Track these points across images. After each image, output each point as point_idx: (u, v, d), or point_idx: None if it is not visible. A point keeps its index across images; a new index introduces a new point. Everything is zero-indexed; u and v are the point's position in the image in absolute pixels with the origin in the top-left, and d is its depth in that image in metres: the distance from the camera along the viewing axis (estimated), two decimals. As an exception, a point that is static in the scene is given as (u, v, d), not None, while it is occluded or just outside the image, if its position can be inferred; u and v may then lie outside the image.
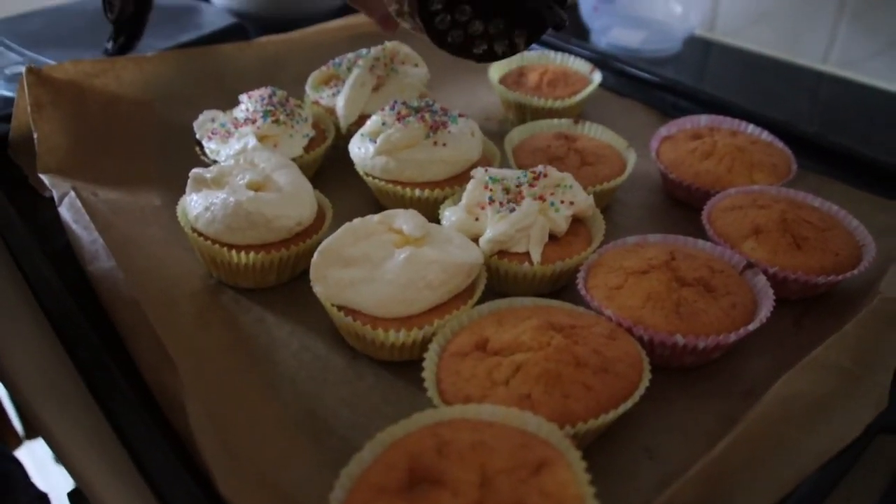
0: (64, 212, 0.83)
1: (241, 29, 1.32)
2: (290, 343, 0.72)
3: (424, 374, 0.63)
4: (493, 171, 0.79)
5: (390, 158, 0.85)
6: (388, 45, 1.04)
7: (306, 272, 0.78)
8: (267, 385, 0.67)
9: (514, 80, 1.10)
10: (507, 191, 0.77)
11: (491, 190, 0.77)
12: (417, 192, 0.85)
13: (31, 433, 1.49)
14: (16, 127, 0.95)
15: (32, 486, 1.18)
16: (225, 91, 1.05)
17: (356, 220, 0.72)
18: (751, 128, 0.97)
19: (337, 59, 1.03)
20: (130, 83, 1.03)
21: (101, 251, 0.76)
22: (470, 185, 0.78)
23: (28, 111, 0.92)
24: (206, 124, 0.95)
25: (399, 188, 0.85)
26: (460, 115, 0.89)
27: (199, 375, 0.65)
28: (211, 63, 1.10)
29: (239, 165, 0.79)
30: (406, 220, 0.71)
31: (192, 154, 0.93)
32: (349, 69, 1.01)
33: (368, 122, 0.90)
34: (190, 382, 0.61)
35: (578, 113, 1.08)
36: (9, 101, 1.10)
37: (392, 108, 0.89)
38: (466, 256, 0.70)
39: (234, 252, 0.74)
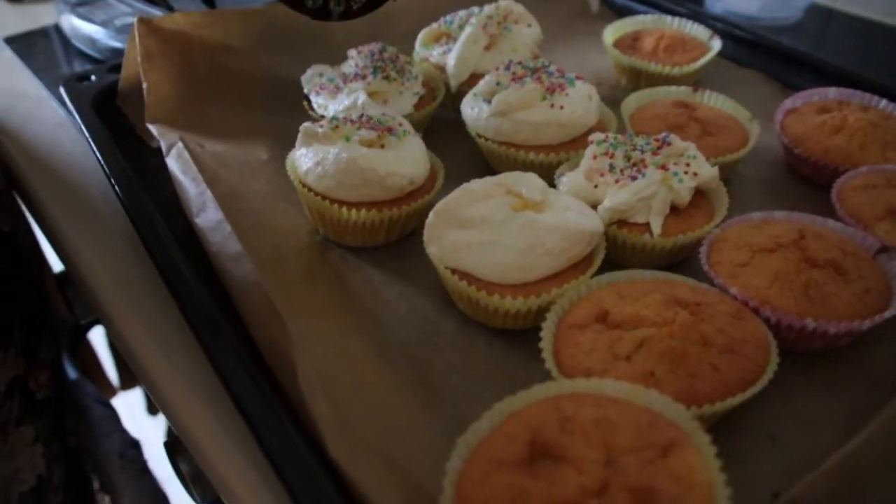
0: (171, 162, 0.83)
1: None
2: (398, 305, 0.71)
3: (542, 345, 0.60)
4: (614, 136, 0.76)
5: (504, 120, 0.82)
6: (502, 3, 1.02)
7: (415, 233, 0.77)
8: (376, 347, 0.66)
9: (629, 44, 1.06)
10: (628, 158, 0.74)
11: (612, 157, 0.74)
12: (532, 155, 0.82)
13: (126, 383, 1.53)
14: (125, 77, 0.96)
15: (126, 432, 1.21)
16: (333, 46, 1.03)
17: (473, 182, 0.70)
18: (883, 102, 0.92)
19: (448, 17, 1.01)
20: (238, 35, 1.02)
21: (209, 203, 0.76)
22: (589, 151, 0.76)
23: (138, 61, 0.92)
24: (314, 79, 0.94)
25: (512, 150, 0.83)
26: (577, 78, 0.86)
27: (307, 335, 0.64)
28: (320, 17, 1.09)
29: (352, 121, 0.77)
30: (526, 183, 0.69)
31: (300, 108, 0.92)
32: (461, 27, 0.99)
33: (482, 82, 0.87)
34: (299, 341, 0.61)
35: (695, 81, 1.04)
36: (118, 52, 1.11)
37: (507, 69, 0.86)
38: (587, 224, 0.67)
39: (344, 208, 0.73)
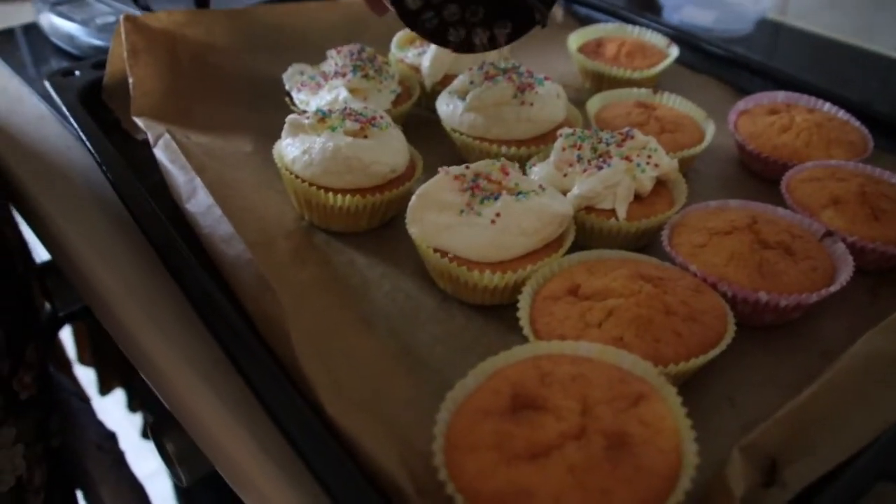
0: (159, 153, 0.86)
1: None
2: (381, 284, 0.75)
3: (519, 314, 0.65)
4: (581, 130, 0.82)
5: (478, 115, 0.88)
6: (474, 8, 1.07)
7: (395, 219, 0.82)
8: (362, 321, 0.70)
9: (593, 49, 1.12)
10: (594, 150, 0.79)
11: (580, 148, 0.79)
12: (504, 148, 0.87)
13: (105, 386, 1.53)
14: (110, 73, 0.99)
15: (102, 424, 1.23)
16: (311, 46, 1.07)
17: (452, 168, 0.75)
18: (827, 106, 0.99)
19: (423, 21, 1.06)
20: (221, 34, 1.06)
21: (198, 189, 0.80)
22: (559, 143, 0.81)
23: (124, 57, 0.95)
24: (295, 76, 0.98)
25: (486, 144, 0.88)
26: (546, 79, 0.92)
27: (298, 308, 0.68)
28: (299, 18, 1.13)
29: (336, 113, 0.82)
30: (503, 168, 0.74)
31: (281, 104, 0.96)
32: (435, 31, 1.03)
33: (456, 81, 0.92)
34: (291, 313, 0.65)
35: (655, 85, 1.10)
36: (99, 50, 1.14)
37: (480, 68, 0.92)
38: (558, 206, 0.72)
39: (330, 194, 0.78)
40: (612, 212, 0.77)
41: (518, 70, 0.92)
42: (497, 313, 0.72)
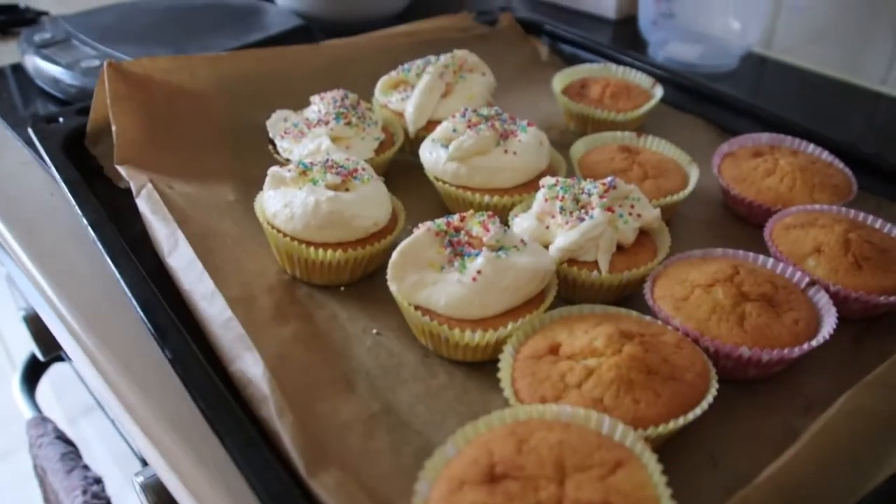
0: (142, 203, 0.86)
1: (307, 30, 1.36)
2: (363, 339, 0.75)
3: (500, 375, 0.65)
4: (563, 180, 0.82)
5: (461, 164, 0.87)
6: (458, 53, 1.07)
7: (377, 272, 0.81)
8: (344, 379, 0.70)
9: (577, 91, 1.12)
10: (576, 201, 0.79)
11: (562, 199, 0.79)
12: (486, 198, 0.87)
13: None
14: (94, 119, 1.00)
15: (88, 468, 1.22)
16: (294, 91, 1.07)
17: (433, 223, 0.74)
18: (811, 147, 0.99)
19: (406, 65, 1.06)
20: (204, 80, 1.06)
21: (180, 242, 0.80)
22: (540, 194, 0.81)
23: (108, 104, 0.95)
24: (278, 123, 0.98)
25: (469, 193, 0.88)
26: (529, 125, 0.92)
27: (279, 368, 0.67)
28: (281, 64, 1.13)
29: (317, 165, 0.82)
30: (484, 224, 0.74)
31: (264, 151, 0.97)
32: (418, 75, 1.04)
33: (439, 128, 0.92)
34: (271, 375, 0.65)
35: (639, 126, 1.10)
36: (84, 93, 1.14)
37: (463, 116, 0.92)
38: (541, 263, 0.72)
39: (312, 248, 0.77)
40: (595, 264, 0.77)
41: (501, 117, 0.92)
42: (479, 369, 0.72)
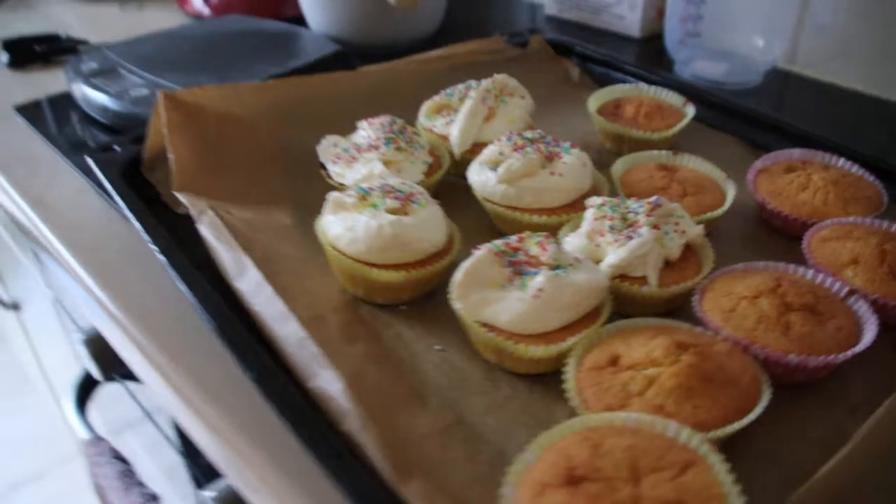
0: (204, 229, 0.90)
1: (344, 55, 1.41)
2: (429, 356, 0.79)
3: (565, 386, 0.70)
4: (610, 200, 0.86)
5: (510, 186, 0.92)
6: (497, 77, 1.11)
7: (435, 291, 0.85)
8: (415, 394, 0.74)
9: (611, 111, 1.17)
10: (624, 219, 0.84)
11: (611, 218, 0.83)
12: (535, 217, 0.92)
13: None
14: (150, 147, 1.04)
15: (145, 486, 1.26)
16: (339, 116, 1.11)
17: (492, 244, 0.79)
18: (841, 161, 1.03)
19: (449, 90, 1.11)
20: (253, 107, 1.10)
21: (247, 267, 0.84)
22: (590, 213, 0.85)
23: (164, 132, 1.00)
24: (329, 149, 1.02)
25: (518, 213, 0.92)
26: (572, 147, 0.96)
27: (356, 383, 0.71)
28: (325, 90, 1.18)
29: (375, 190, 0.86)
30: (541, 244, 0.78)
31: (315, 176, 1.01)
32: (461, 99, 1.08)
33: (486, 151, 0.97)
34: (349, 390, 0.69)
35: (672, 144, 1.14)
36: (134, 121, 1.18)
37: (509, 139, 0.96)
38: (597, 280, 0.76)
39: (374, 270, 0.82)
40: (644, 279, 0.81)
41: (545, 139, 0.96)
42: (540, 381, 0.76)
